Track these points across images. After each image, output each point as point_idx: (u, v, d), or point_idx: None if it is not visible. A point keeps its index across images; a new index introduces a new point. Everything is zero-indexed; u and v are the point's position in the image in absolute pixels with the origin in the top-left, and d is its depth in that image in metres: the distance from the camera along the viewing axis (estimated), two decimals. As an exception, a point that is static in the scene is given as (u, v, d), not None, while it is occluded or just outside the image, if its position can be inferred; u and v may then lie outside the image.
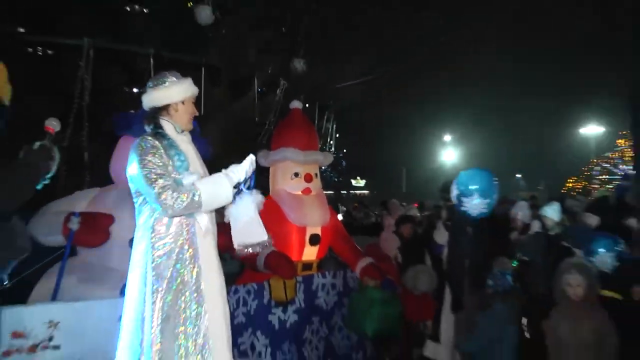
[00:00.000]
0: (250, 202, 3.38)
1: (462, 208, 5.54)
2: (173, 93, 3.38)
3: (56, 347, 4.07)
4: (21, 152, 3.01)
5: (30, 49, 6.43)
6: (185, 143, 3.40)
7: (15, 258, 2.93)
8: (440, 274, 6.20)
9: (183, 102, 3.41)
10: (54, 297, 4.69)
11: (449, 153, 43.70)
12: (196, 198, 3.10)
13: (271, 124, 7.96)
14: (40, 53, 6.48)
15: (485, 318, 4.90)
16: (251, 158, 3.35)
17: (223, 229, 5.17)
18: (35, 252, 4.34)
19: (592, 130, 40.07)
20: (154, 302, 3.10)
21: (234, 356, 4.87)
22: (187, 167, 3.25)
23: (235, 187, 3.27)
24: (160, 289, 3.12)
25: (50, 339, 4.08)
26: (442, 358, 6.10)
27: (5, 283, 3.18)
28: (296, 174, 6.02)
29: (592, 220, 6.81)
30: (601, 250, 4.91)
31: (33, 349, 4.00)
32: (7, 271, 2.82)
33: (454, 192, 5.67)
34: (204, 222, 3.30)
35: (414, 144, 42.81)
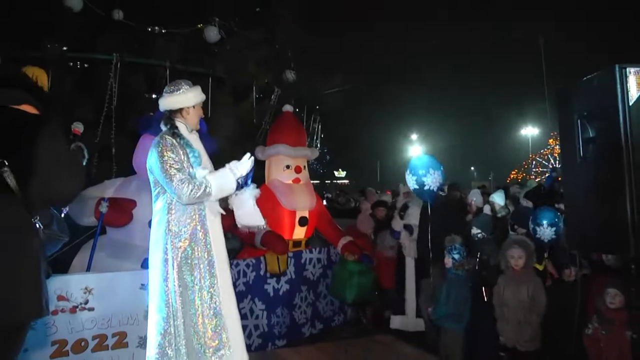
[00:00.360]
0: (249, 195, 3.42)
1: (425, 187, 5.54)
2: (187, 99, 3.36)
3: (91, 309, 4.14)
4: None
5: (71, 64, 6.45)
6: (196, 141, 3.41)
7: (65, 239, 2.97)
8: (400, 255, 6.20)
9: (194, 107, 3.40)
10: (88, 268, 4.73)
11: (415, 149, 43.89)
12: (207, 190, 3.15)
13: (267, 124, 7.97)
14: (79, 67, 6.50)
15: (448, 285, 4.98)
16: (248, 156, 3.38)
17: (226, 213, 5.24)
18: (73, 231, 4.38)
19: (529, 131, 40.68)
20: (174, 276, 3.15)
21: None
22: (200, 162, 3.27)
23: (237, 180, 3.30)
24: (178, 264, 3.16)
25: (86, 302, 4.15)
26: (409, 328, 6.11)
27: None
28: (288, 166, 6.06)
29: (528, 204, 6.91)
30: (544, 222, 4.87)
31: (74, 309, 4.08)
32: (57, 247, 2.82)
33: (411, 180, 5.62)
34: (215, 207, 3.33)
35: (386, 141, 43.00)
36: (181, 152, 3.21)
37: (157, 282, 3.21)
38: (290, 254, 5.66)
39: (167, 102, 3.38)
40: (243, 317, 5.02)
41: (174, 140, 3.22)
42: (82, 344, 4.14)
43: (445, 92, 41.36)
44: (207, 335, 3.17)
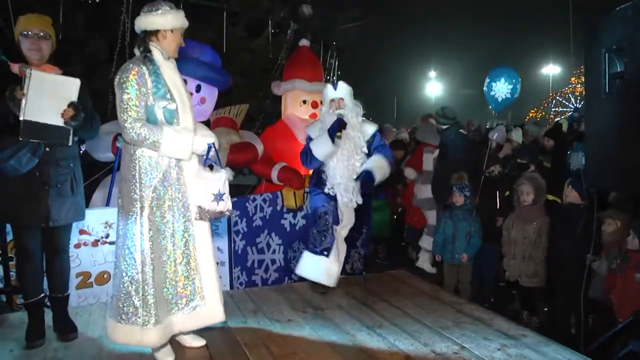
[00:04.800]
0: (220, 177, 3.01)
1: (491, 93, 5.57)
2: (165, 20, 2.98)
3: (112, 243, 4.23)
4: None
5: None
6: (170, 69, 3.04)
7: (20, 169, 3.20)
8: None
9: (172, 31, 3.02)
10: (107, 203, 4.79)
11: (433, 86, 43.31)
12: (157, 143, 2.84)
13: (283, 59, 7.83)
14: (90, 2, 6.34)
15: (463, 223, 5.05)
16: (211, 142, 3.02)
17: (243, 147, 5.24)
18: (91, 166, 4.42)
19: (550, 69, 39.85)
20: (145, 218, 2.90)
21: (253, 252, 5.06)
22: (163, 94, 2.93)
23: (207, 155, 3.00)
24: (149, 204, 2.90)
25: (107, 236, 4.26)
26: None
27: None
28: (304, 101, 5.99)
29: (549, 143, 6.85)
30: (575, 152, 4.86)
31: (95, 243, 4.20)
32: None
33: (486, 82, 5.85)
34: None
35: (404, 78, 42.38)
36: (149, 81, 2.90)
37: (124, 224, 2.94)
38: (307, 190, 5.67)
39: (143, 21, 3.01)
40: (260, 251, 5.13)
41: (144, 67, 2.90)
42: (105, 276, 4.29)
43: (464, 28, 40.21)
44: (180, 284, 2.98)
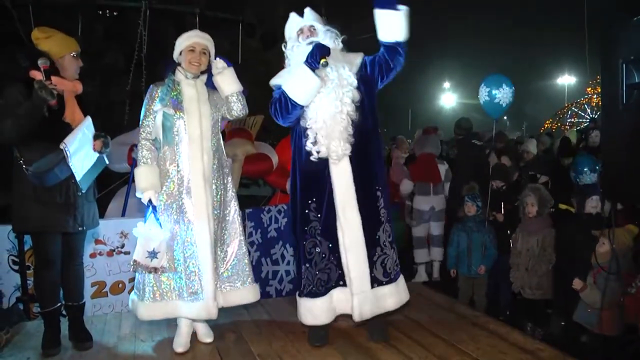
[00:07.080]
0: (155, 237, 3.23)
1: (495, 101, 5.53)
2: (177, 45, 3.44)
3: (127, 253, 4.31)
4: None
5: (100, 12, 6.42)
6: (189, 86, 3.40)
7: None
8: None
9: (180, 53, 3.43)
10: (123, 213, 4.83)
11: (447, 97, 43.22)
12: (139, 163, 3.34)
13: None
14: (108, 15, 6.47)
15: (479, 235, 5.04)
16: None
17: (258, 158, 5.26)
18: (107, 177, 4.46)
19: (566, 80, 39.61)
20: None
21: (267, 263, 5.06)
22: (165, 103, 3.32)
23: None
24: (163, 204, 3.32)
25: (122, 246, 4.30)
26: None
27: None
28: (318, 112, 5.97)
29: (568, 160, 6.83)
30: (585, 168, 4.87)
31: (110, 253, 4.24)
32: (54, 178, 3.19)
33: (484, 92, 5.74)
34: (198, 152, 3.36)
35: (418, 89, 42.38)
36: (155, 99, 3.35)
37: None
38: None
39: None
40: (274, 262, 5.12)
41: (158, 88, 3.38)
42: (120, 285, 4.32)
43: (480, 38, 40.16)
44: (185, 277, 3.29)
